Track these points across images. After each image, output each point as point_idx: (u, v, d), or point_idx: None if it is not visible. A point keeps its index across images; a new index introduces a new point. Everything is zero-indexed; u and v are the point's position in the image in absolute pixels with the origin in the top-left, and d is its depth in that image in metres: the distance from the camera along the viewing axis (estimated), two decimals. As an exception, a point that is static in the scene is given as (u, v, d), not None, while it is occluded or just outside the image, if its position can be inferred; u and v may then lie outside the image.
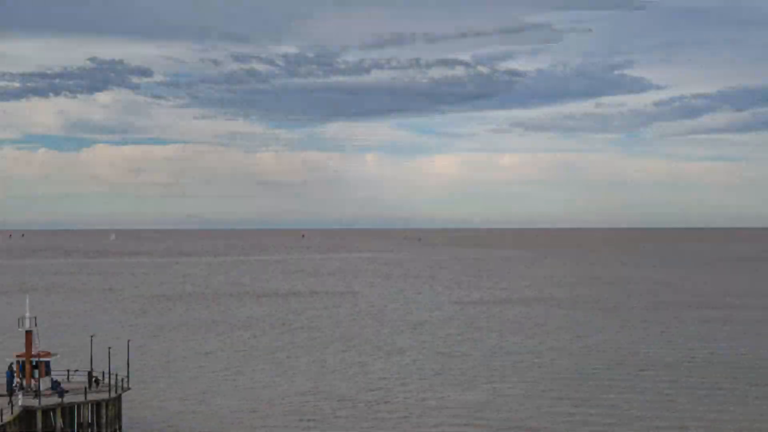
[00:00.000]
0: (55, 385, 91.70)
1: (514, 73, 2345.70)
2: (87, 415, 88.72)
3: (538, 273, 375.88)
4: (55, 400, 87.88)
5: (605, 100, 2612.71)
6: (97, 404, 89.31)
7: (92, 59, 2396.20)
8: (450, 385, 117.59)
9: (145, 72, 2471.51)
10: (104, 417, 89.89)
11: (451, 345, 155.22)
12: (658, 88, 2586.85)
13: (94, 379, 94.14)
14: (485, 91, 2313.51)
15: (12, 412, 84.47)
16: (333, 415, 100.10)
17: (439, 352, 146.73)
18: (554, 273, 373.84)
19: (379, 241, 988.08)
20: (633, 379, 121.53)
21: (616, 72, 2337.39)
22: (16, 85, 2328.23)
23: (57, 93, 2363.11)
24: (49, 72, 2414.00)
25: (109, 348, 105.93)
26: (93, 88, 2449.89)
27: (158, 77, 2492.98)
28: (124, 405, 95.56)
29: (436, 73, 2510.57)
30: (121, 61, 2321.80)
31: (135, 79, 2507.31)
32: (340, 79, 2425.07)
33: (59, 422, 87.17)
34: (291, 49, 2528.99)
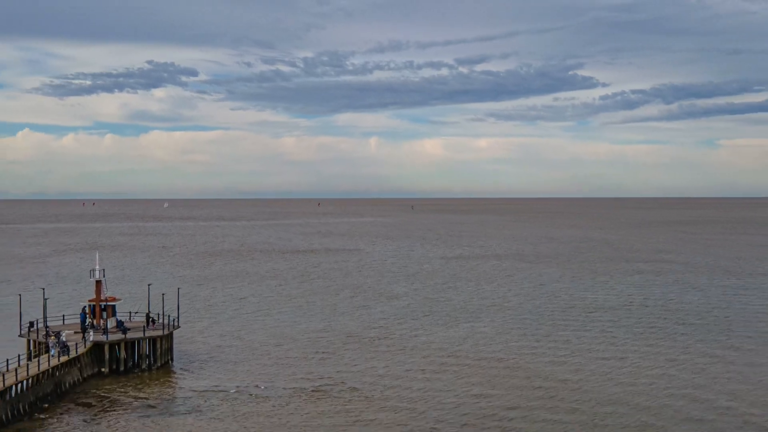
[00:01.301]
0: (120, 324, 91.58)
1: (488, 73, 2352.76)
2: (145, 348, 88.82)
3: (506, 234, 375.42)
4: (119, 336, 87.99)
5: (560, 95, 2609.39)
6: (153, 339, 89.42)
7: (149, 62, 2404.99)
8: (436, 325, 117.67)
9: (191, 72, 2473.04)
10: (159, 350, 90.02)
11: (438, 292, 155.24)
12: (603, 85, 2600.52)
13: (150, 319, 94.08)
14: (465, 87, 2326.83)
15: (85, 346, 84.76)
16: (342, 348, 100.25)
17: (427, 298, 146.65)
18: (520, 234, 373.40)
19: (380, 208, 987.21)
20: (583, 319, 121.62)
21: (569, 72, 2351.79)
22: (88, 83, 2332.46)
23: (121, 89, 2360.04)
24: (114, 72, 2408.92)
25: (163, 294, 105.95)
26: (150, 85, 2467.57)
27: (202, 76, 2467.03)
28: (174, 340, 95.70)
29: (426, 73, 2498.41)
30: (172, 64, 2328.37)
31: (184, 78, 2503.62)
32: (349, 78, 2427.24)
33: (123, 354, 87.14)
34: (309, 54, 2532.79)
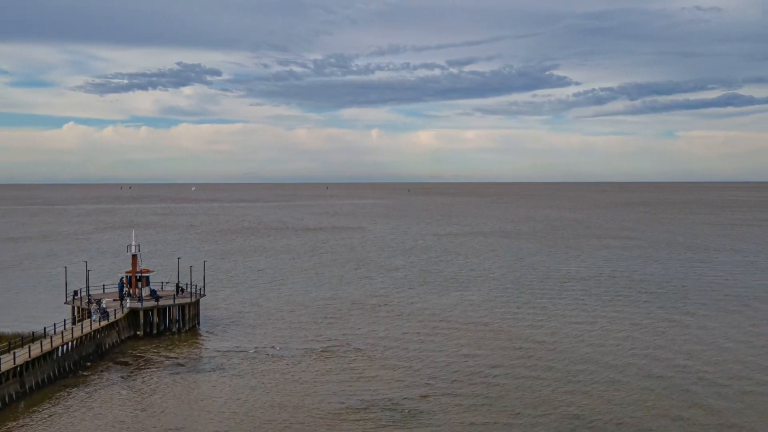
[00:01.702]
0: (153, 293, 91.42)
1: (475, 73, 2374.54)
2: (175, 313, 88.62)
3: (490, 214, 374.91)
4: (152, 303, 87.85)
5: (538, 92, 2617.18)
6: (182, 306, 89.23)
7: (179, 63, 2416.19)
8: (429, 293, 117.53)
9: (216, 72, 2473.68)
10: (187, 315, 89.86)
11: (431, 264, 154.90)
12: (576, 84, 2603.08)
13: (180, 288, 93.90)
14: (455, 85, 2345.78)
15: (122, 312, 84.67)
16: (348, 314, 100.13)
17: (422, 270, 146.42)
18: (502, 214, 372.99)
19: (380, 191, 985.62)
20: (557, 289, 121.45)
21: (546, 72, 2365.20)
22: (125, 81, 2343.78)
23: (154, 87, 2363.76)
24: (148, 72, 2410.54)
25: (191, 266, 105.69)
26: (179, 84, 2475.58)
27: (225, 76, 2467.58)
28: (201, 307, 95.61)
29: (421, 73, 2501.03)
30: (199, 65, 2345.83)
31: (209, 78, 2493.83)
32: (353, 77, 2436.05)
33: (155, 319, 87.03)
34: (318, 56, 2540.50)
